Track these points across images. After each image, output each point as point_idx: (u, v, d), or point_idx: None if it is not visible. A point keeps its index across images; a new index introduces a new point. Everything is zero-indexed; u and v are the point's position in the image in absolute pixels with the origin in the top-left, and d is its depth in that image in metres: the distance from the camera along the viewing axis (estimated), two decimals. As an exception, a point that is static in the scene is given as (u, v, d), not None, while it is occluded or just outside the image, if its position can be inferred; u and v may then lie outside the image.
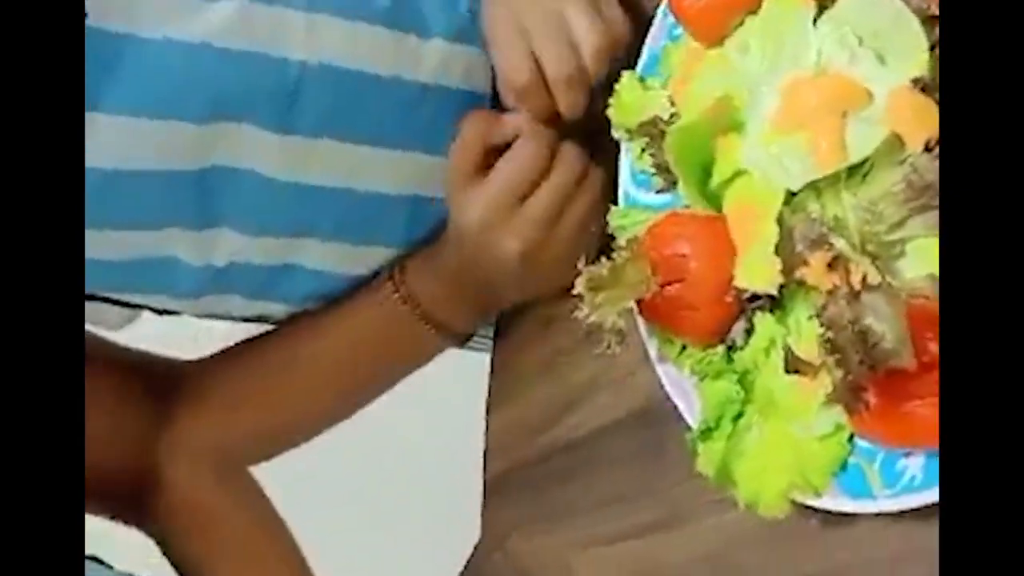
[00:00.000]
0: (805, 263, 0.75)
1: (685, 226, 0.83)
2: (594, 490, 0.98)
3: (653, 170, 0.89)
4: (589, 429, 0.99)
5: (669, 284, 0.81)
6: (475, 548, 1.06)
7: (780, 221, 0.76)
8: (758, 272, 0.78)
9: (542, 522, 1.01)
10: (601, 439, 0.98)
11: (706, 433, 0.80)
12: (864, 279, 0.72)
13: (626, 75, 0.92)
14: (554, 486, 1.01)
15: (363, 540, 2.16)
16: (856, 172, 0.75)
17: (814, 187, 0.76)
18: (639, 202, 0.92)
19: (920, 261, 0.73)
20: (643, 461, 0.93)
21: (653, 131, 0.88)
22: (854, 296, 0.70)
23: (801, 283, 0.76)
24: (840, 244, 0.74)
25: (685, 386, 0.85)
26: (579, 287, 0.78)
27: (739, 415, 0.81)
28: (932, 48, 0.73)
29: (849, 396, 0.69)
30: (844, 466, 0.75)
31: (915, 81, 0.73)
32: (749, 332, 0.81)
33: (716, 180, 0.82)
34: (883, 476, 0.74)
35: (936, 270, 0.72)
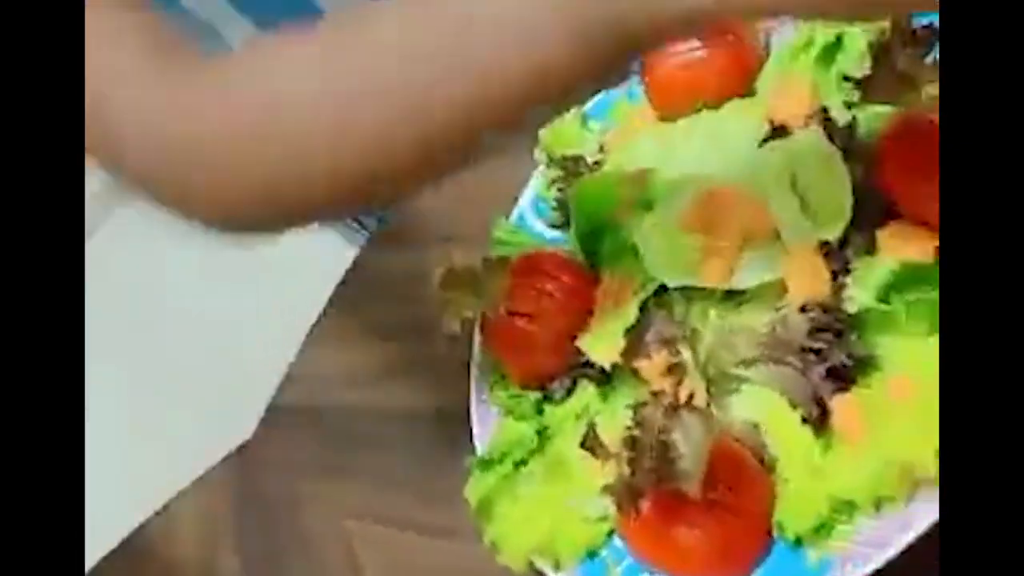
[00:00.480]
0: (647, 356, 0.76)
1: (558, 268, 0.83)
2: (389, 469, 0.97)
3: (554, 204, 0.89)
4: (405, 406, 0.98)
5: (518, 315, 0.81)
6: (243, 449, 1.06)
7: (643, 308, 0.77)
8: (602, 343, 0.78)
9: (327, 473, 1.00)
10: (411, 422, 0.97)
11: (486, 464, 0.81)
12: (691, 397, 0.73)
13: (573, 109, 0.92)
14: (349, 444, 1.00)
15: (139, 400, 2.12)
16: (732, 298, 0.76)
17: (688, 293, 0.77)
18: (529, 228, 0.92)
19: (749, 406, 0.74)
20: (443, 460, 0.92)
21: (570, 168, 0.88)
22: (674, 408, 0.70)
23: (635, 372, 0.77)
24: (686, 355, 0.75)
25: (490, 411, 0.85)
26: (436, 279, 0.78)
27: (523, 462, 0.81)
28: (851, 222, 0.74)
29: (626, 495, 0.69)
30: (593, 555, 0.76)
31: (823, 244, 0.73)
32: (568, 392, 0.82)
33: (606, 243, 0.82)
34: (621, 581, 0.74)
35: (758, 418, 0.73)
